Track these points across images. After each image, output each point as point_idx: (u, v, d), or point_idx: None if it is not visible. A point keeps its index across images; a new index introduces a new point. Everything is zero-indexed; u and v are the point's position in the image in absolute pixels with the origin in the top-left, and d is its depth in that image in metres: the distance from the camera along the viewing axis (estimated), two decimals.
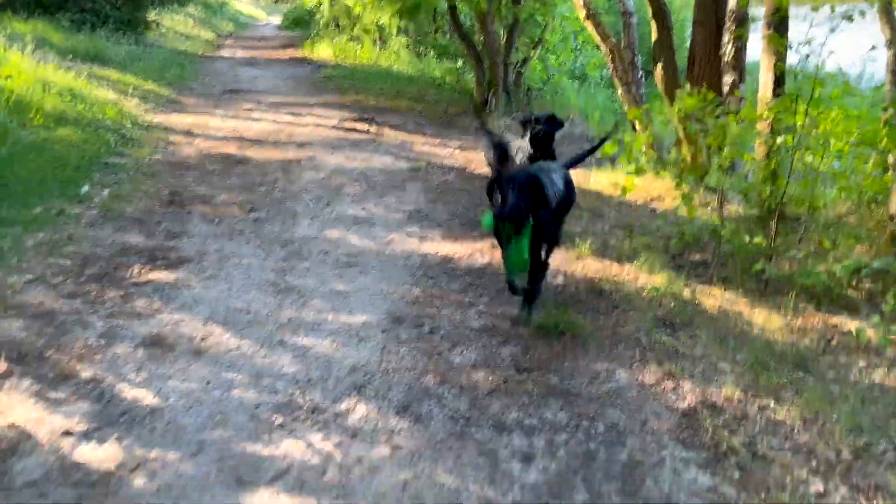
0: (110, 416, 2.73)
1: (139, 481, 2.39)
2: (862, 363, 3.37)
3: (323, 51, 14.96)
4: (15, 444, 2.55)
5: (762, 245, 4.34)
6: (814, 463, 2.63)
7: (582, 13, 6.92)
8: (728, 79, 5.67)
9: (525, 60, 10.48)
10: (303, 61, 14.45)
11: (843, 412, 2.90)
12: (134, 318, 3.51)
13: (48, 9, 11.52)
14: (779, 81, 5.23)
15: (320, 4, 15.71)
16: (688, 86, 5.70)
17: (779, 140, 4.51)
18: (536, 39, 10.48)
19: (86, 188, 5.32)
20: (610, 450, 2.64)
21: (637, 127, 6.79)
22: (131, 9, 12.94)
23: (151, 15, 14.29)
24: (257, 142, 7.41)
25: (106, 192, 5.36)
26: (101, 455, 2.51)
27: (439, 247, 4.72)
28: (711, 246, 4.73)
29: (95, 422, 2.70)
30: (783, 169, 4.61)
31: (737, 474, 2.53)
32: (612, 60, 6.86)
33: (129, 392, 2.90)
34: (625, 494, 2.41)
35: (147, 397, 2.87)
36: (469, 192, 6.11)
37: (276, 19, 27.57)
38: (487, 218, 3.34)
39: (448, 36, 12.70)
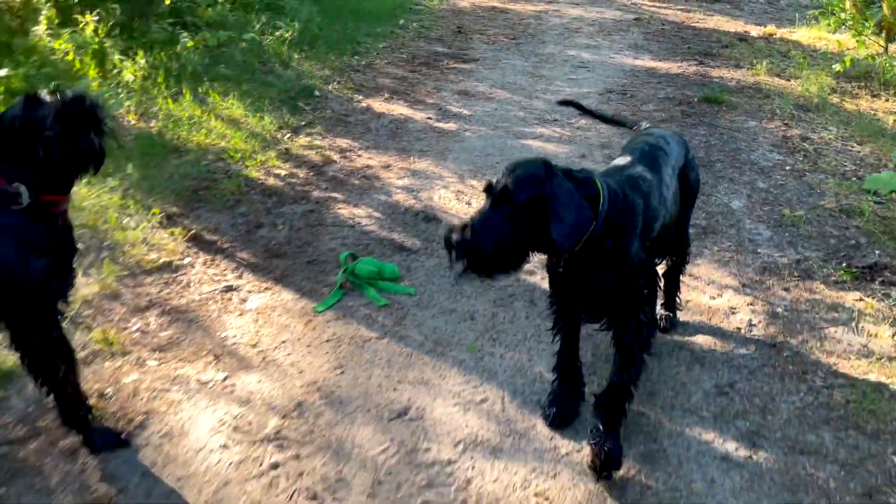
0: (446, 115, 5.36)
1: (468, 134, 4.98)
2: None
3: None
4: (405, 121, 5.26)
5: None
6: (857, 161, 4.53)
7: None
8: None
9: None
10: None
11: None
12: (449, 83, 6.13)
13: None
14: None
15: None
16: None
17: None
18: None
19: (402, 21, 8.08)
20: (726, 145, 4.75)
21: None
22: None
23: None
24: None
25: (415, 23, 8.08)
26: (445, 126, 5.13)
27: (647, 63, 6.81)
28: (874, 79, 6.28)
29: (439, 116, 5.33)
30: None
31: (800, 158, 4.53)
32: None
33: (454, 109, 5.51)
34: (725, 155, 4.54)
35: (463, 111, 5.46)
36: (682, 37, 7.99)
37: None
38: None
39: None
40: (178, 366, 2.64)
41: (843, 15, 7.73)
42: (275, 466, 2.23)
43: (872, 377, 2.57)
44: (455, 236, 1.90)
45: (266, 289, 3.14)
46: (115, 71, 5.03)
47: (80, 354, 2.63)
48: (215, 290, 3.11)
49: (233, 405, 2.47)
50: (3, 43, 4.98)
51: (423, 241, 3.56)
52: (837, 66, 6.50)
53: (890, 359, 2.65)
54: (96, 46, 5.06)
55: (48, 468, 2.18)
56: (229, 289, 3.12)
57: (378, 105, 5.51)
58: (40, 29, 5.14)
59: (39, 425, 2.33)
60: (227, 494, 2.12)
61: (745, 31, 8.29)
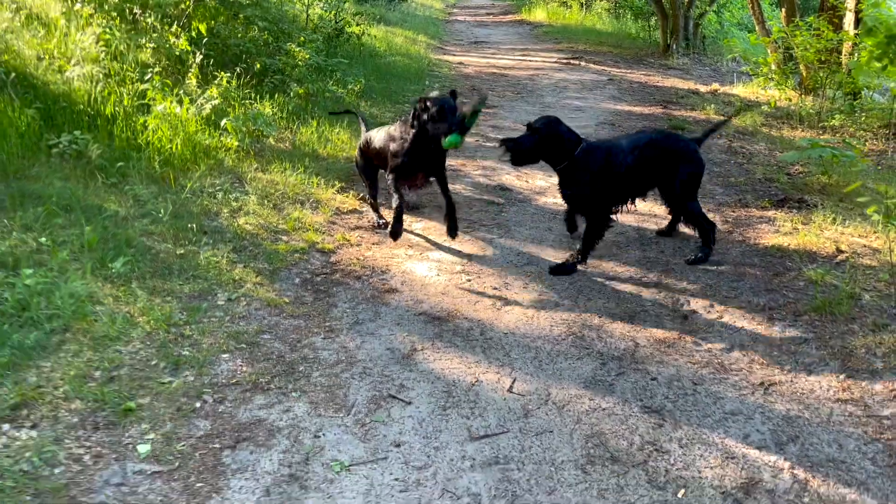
0: (490, 139, 7.68)
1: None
2: None
3: (537, 14, 19.81)
4: None
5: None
6: (778, 159, 6.95)
7: None
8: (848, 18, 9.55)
9: (702, 14, 14.58)
10: (521, 23, 19.41)
11: None
12: (481, 121, 8.47)
13: None
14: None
15: None
16: (803, 20, 9.65)
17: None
18: None
19: (427, 81, 10.54)
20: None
21: (768, 51, 10.87)
22: None
23: None
24: (507, 67, 12.39)
25: (437, 84, 10.54)
26: (492, 145, 7.44)
27: (624, 107, 9.32)
28: (793, 117, 8.87)
29: (485, 140, 7.65)
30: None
31: (740, 157, 6.95)
32: (752, 7, 10.98)
33: (493, 135, 7.83)
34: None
35: (500, 136, 7.81)
36: (647, 92, 10.60)
37: None
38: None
39: None
40: (390, 250, 4.79)
41: (770, 73, 10.44)
42: (469, 280, 4.37)
43: (779, 239, 4.86)
44: (508, 143, 4.36)
45: (421, 219, 5.32)
46: (253, 110, 7.23)
47: (333, 245, 4.76)
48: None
49: (431, 262, 4.61)
50: (165, 91, 7.16)
51: (505, 199, 5.79)
52: (765, 108, 9.10)
53: (787, 234, 4.95)
54: (234, 94, 7.29)
55: (350, 281, 4.29)
56: None
57: None
58: (192, 82, 7.33)
59: (334, 269, 4.44)
60: (449, 289, 4.25)
61: (696, 89, 10.94)
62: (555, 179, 6.24)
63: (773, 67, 10.40)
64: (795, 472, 2.71)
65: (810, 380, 3.29)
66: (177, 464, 2.68)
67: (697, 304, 4.04)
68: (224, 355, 3.39)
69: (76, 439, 2.75)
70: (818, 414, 3.05)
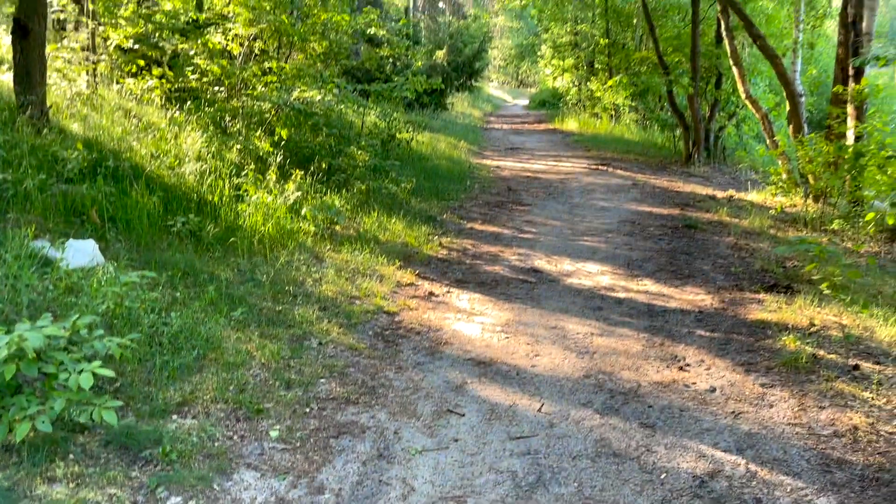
0: (524, 231, 8.93)
1: (542, 239, 8.52)
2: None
3: (569, 124, 21.52)
4: (499, 234, 8.82)
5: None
6: (777, 255, 8.07)
7: (743, 95, 12.55)
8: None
9: (721, 128, 16.03)
10: (554, 131, 21.09)
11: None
12: (516, 216, 9.79)
13: (390, 99, 19.22)
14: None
15: (568, 91, 22.46)
16: (807, 136, 10.93)
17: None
18: (731, 113, 16.00)
19: (468, 182, 11.95)
20: (699, 246, 8.30)
21: (779, 162, 12.15)
22: (438, 97, 20.50)
23: (448, 100, 21.93)
24: (540, 171, 13.81)
25: (477, 184, 11.94)
26: (526, 236, 8.67)
27: (646, 208, 10.57)
28: (799, 221, 10.03)
29: (520, 232, 8.90)
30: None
31: (743, 253, 8.08)
32: (763, 123, 12.35)
33: (527, 228, 9.08)
34: (699, 251, 8.08)
35: (533, 230, 9.05)
36: (668, 196, 11.86)
37: (521, 101, 35.27)
38: None
39: (667, 111, 18.54)
40: (443, 314, 5.94)
41: (780, 183, 11.65)
42: (506, 338, 5.48)
43: (764, 315, 5.92)
44: None
45: (466, 291, 6.50)
46: (325, 202, 8.58)
47: (396, 308, 5.93)
48: (445, 291, 6.46)
49: (476, 324, 5.75)
50: (257, 184, 8.56)
51: (535, 279, 6.96)
52: (772, 211, 10.27)
53: (772, 311, 6.01)
54: (307, 188, 8.68)
55: (412, 335, 5.43)
56: (448, 291, 6.48)
57: (477, 226, 9.10)
58: (271, 179, 8.75)
59: (398, 326, 5.59)
60: (490, 343, 5.36)
61: (713, 194, 12.18)
62: (581, 264, 7.45)
63: (784, 177, 11.64)
64: (749, 466, 3.72)
65: (771, 411, 4.31)
66: (298, 444, 3.79)
67: (692, 360, 5.10)
68: (321, 380, 4.52)
69: (226, 426, 3.88)
70: (772, 432, 4.06)
